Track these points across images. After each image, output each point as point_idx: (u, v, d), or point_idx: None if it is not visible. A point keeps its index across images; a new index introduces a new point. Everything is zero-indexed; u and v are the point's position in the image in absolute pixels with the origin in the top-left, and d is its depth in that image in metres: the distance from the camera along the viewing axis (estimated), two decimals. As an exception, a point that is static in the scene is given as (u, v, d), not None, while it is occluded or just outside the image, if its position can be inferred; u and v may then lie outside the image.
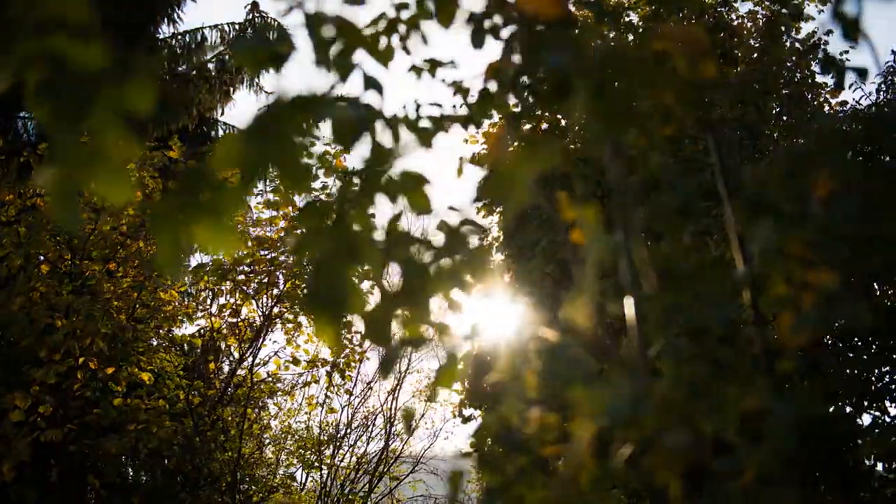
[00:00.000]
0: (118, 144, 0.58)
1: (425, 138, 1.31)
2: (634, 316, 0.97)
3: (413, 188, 1.06)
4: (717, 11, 9.44)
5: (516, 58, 1.12)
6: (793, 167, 0.81)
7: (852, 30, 1.01)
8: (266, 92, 14.57)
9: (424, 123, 1.31)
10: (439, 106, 1.31)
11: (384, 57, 1.12)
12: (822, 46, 10.50)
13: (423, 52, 1.37)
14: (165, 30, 12.66)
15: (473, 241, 0.89)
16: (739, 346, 1.04)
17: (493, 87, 1.10)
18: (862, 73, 1.55)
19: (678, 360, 1.11)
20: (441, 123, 1.29)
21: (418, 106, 1.33)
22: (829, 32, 11.45)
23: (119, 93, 0.55)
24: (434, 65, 1.35)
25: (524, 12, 0.85)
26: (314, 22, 0.79)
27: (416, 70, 1.35)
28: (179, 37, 13.22)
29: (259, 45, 0.96)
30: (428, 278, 0.63)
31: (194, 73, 13.01)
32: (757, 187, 0.88)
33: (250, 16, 15.05)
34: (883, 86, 7.17)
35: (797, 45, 10.73)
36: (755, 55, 9.88)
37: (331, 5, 0.90)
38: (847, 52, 10.99)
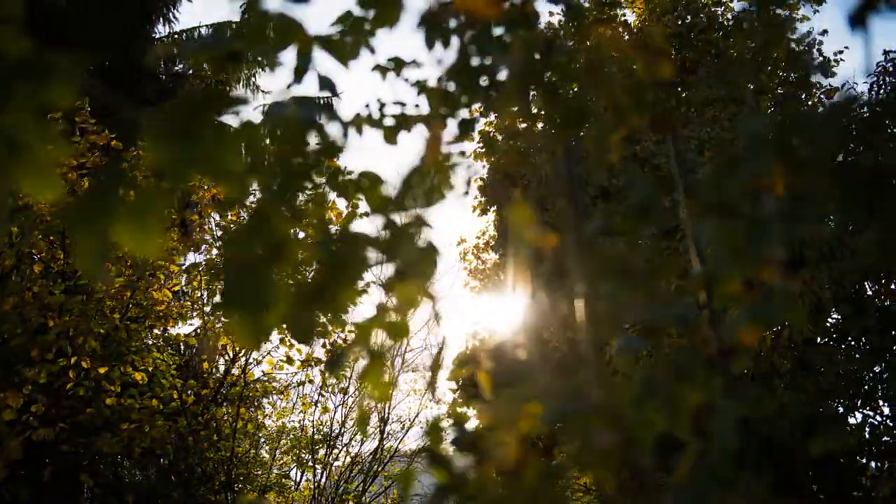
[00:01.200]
0: (43, 142, 0.58)
1: (389, 135, 1.32)
2: (585, 316, 0.97)
3: (370, 187, 1.07)
4: (711, 11, 9.45)
5: (475, 60, 1.13)
6: (724, 168, 0.82)
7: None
8: (263, 91, 14.59)
9: (388, 122, 1.32)
10: (402, 105, 1.32)
11: (344, 56, 1.13)
12: (818, 47, 10.52)
13: (389, 51, 1.38)
14: (161, 29, 12.67)
15: (421, 239, 0.89)
16: (694, 344, 1.04)
17: (451, 87, 1.10)
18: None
19: (634, 358, 1.12)
20: (405, 121, 1.30)
21: (382, 105, 1.34)
22: (823, 32, 11.47)
23: (39, 89, 0.56)
24: (399, 64, 1.35)
25: (461, 13, 0.86)
26: (257, 21, 0.79)
27: (380, 69, 1.36)
28: (176, 36, 13.23)
29: (211, 45, 0.97)
30: (342, 276, 0.64)
31: (190, 72, 13.02)
32: (705, 187, 0.89)
33: (246, 15, 15.06)
34: (875, 86, 7.19)
35: (792, 44, 10.75)
36: (750, 55, 9.89)
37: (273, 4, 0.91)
38: (841, 52, 10.99)
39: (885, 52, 7.07)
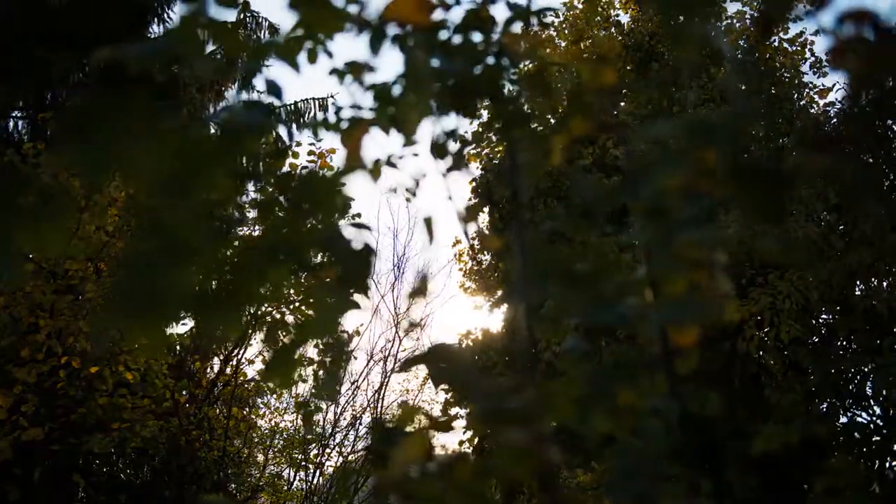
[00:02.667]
0: None
1: (345, 139, 1.34)
2: (524, 317, 0.99)
3: (323, 194, 1.08)
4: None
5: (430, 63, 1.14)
6: (634, 173, 0.84)
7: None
8: (259, 91, 14.57)
9: (344, 125, 1.33)
10: (358, 108, 1.34)
11: (293, 61, 1.14)
12: (810, 46, 10.54)
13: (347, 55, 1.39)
14: (156, 29, 12.66)
15: (358, 245, 0.91)
16: (638, 345, 1.06)
17: (397, 90, 1.12)
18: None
19: (578, 359, 1.14)
20: (361, 125, 1.31)
21: (338, 109, 1.35)
22: (816, 32, 11.49)
23: None
24: (356, 68, 1.37)
25: (391, 20, 0.87)
26: (189, 25, 0.81)
27: (338, 73, 1.37)
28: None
29: (154, 50, 0.98)
30: (244, 282, 0.65)
31: (186, 72, 13.01)
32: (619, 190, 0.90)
33: (241, 14, 15.09)
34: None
35: (785, 44, 10.77)
36: (742, 55, 9.90)
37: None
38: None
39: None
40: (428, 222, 1.21)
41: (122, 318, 0.52)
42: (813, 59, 10.37)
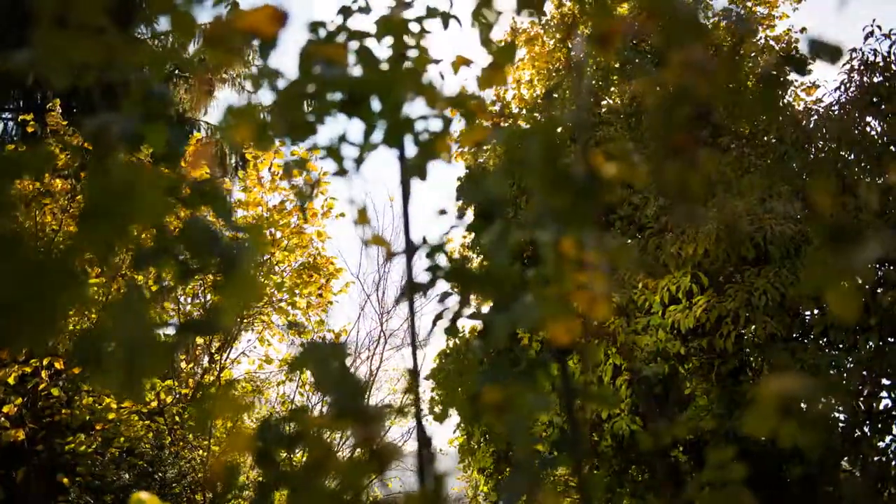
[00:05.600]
0: None
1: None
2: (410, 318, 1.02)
3: (213, 196, 1.11)
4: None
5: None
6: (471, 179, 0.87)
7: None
8: (249, 91, 14.60)
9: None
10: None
11: (193, 70, 1.17)
12: (795, 45, 10.56)
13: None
14: (143, 30, 12.67)
15: (245, 259, 0.93)
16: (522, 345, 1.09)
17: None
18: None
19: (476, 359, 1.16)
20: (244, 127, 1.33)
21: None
22: (802, 30, 11.53)
23: None
24: (266, 74, 1.39)
25: (245, 32, 0.90)
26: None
27: (252, 79, 1.39)
28: (161, 38, 13.24)
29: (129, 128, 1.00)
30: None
31: (176, 72, 13.03)
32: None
33: (230, 15, 15.08)
34: (842, 85, 7.24)
35: (771, 42, 10.80)
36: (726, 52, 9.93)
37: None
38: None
39: (851, 51, 7.11)
40: (362, 212, 1.22)
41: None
42: (798, 56, 10.39)
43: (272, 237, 7.85)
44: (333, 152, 1.09)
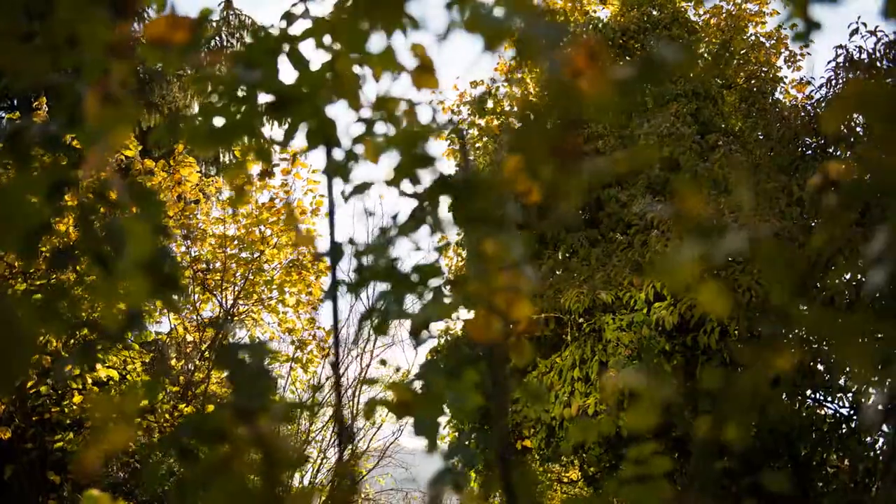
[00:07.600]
0: None
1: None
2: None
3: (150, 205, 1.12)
4: (676, 6, 9.50)
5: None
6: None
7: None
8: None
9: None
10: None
11: (171, 67, 1.18)
12: (784, 41, 10.59)
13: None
14: (136, 28, 12.68)
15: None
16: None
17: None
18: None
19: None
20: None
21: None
22: (793, 27, 11.55)
23: None
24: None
25: (153, 42, 0.92)
26: None
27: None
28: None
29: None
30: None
31: (168, 70, 13.03)
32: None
33: (224, 13, 15.11)
34: (828, 82, 7.26)
35: (761, 38, 10.82)
36: (717, 49, 9.94)
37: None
38: (806, 45, 11.07)
39: (837, 49, 7.14)
40: (290, 214, 1.25)
41: None
42: (787, 52, 10.43)
43: (262, 234, 7.87)
44: (264, 153, 1.12)
